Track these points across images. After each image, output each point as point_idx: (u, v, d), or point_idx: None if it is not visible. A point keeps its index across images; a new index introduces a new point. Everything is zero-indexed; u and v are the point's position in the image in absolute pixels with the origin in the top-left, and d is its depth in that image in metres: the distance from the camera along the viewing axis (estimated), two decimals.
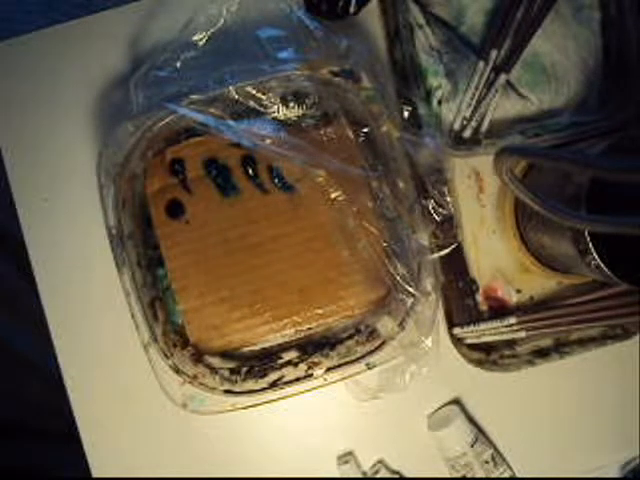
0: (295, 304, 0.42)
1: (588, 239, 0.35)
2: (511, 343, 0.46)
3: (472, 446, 0.44)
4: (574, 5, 0.46)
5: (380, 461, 0.47)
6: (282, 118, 0.41)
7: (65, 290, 0.45)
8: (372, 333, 0.41)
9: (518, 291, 0.47)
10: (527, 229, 0.45)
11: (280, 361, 0.42)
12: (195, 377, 0.39)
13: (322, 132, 0.41)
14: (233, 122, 0.38)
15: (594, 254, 0.35)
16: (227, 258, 0.41)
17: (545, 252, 0.45)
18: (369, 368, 0.39)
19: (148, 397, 0.45)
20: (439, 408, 0.47)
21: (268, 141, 0.38)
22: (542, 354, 0.45)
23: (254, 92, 0.39)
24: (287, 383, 0.39)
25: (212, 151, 0.42)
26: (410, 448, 0.47)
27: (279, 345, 0.43)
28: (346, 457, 0.46)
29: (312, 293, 0.42)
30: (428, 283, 0.39)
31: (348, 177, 0.40)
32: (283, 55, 0.40)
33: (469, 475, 0.44)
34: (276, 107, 0.40)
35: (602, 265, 0.35)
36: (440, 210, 0.41)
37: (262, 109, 0.40)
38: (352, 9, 0.43)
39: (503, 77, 0.44)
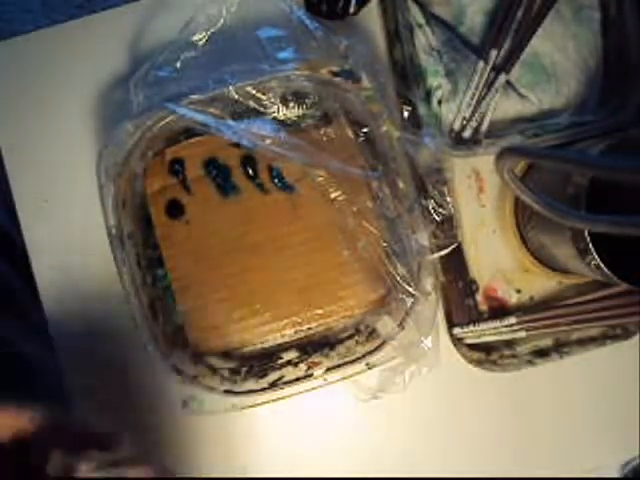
0: (295, 304, 0.42)
1: (588, 239, 0.35)
2: (511, 343, 0.46)
3: None
4: (574, 5, 0.46)
5: None
6: (282, 118, 0.41)
7: (65, 290, 0.45)
8: (372, 333, 0.41)
9: (518, 291, 0.47)
10: (527, 229, 0.45)
11: (280, 361, 0.42)
12: (195, 377, 0.39)
13: (322, 132, 0.41)
14: (233, 122, 0.38)
15: (594, 254, 0.35)
16: (227, 258, 0.41)
17: (545, 252, 0.45)
18: (369, 368, 0.39)
19: (148, 397, 0.45)
20: None
21: (268, 141, 0.38)
22: (542, 354, 0.45)
23: (254, 92, 0.39)
24: (287, 383, 0.39)
25: (212, 151, 0.42)
26: (409, 448, 0.47)
27: (279, 345, 0.43)
28: None
29: (312, 293, 0.42)
30: (428, 283, 0.39)
31: (348, 177, 0.40)
32: (283, 55, 0.40)
33: None
34: (276, 107, 0.40)
35: (602, 265, 0.35)
36: (440, 210, 0.41)
37: (262, 109, 0.40)
38: (352, 9, 0.43)
39: (503, 77, 0.44)
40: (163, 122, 0.39)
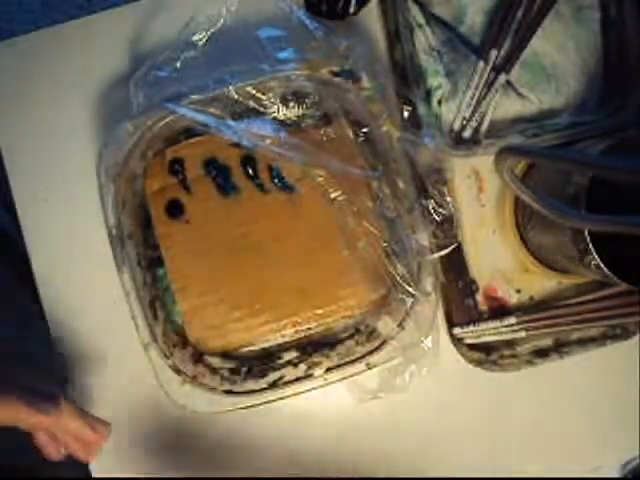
0: (295, 304, 0.42)
1: (588, 239, 0.35)
2: (511, 343, 0.46)
3: None
4: (574, 5, 0.46)
5: None
6: (282, 118, 0.41)
7: (65, 290, 0.45)
8: (372, 333, 0.41)
9: (518, 291, 0.47)
10: (527, 229, 0.45)
11: (280, 361, 0.42)
12: (195, 377, 0.39)
13: (322, 132, 0.41)
14: (233, 122, 0.38)
15: (594, 254, 0.35)
16: (227, 258, 0.42)
17: (545, 252, 0.45)
18: (369, 368, 0.39)
19: (148, 397, 0.45)
20: None
21: (268, 141, 0.38)
22: (542, 354, 0.45)
23: (254, 92, 0.39)
24: (287, 383, 0.39)
25: (212, 151, 0.42)
26: (409, 448, 0.47)
27: (279, 345, 0.43)
28: None
29: (312, 293, 0.42)
30: (428, 283, 0.39)
31: (348, 177, 0.40)
32: (283, 55, 0.40)
33: None
34: (276, 107, 0.40)
35: (602, 265, 0.35)
36: (440, 210, 0.41)
37: (262, 109, 0.40)
38: (352, 9, 0.43)
39: (503, 77, 0.44)
40: (163, 122, 0.39)
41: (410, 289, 0.39)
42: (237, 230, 0.42)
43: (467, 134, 0.45)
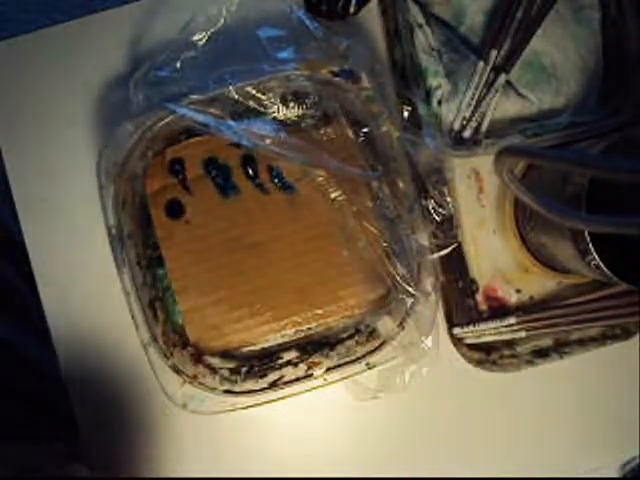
0: (295, 304, 0.42)
1: (588, 239, 0.35)
2: (511, 343, 0.46)
3: None
4: (574, 5, 0.46)
5: None
6: (282, 118, 0.41)
7: (65, 290, 0.45)
8: (372, 333, 0.41)
9: (518, 291, 0.47)
10: (527, 229, 0.45)
11: (280, 361, 0.42)
12: (195, 377, 0.39)
13: (322, 132, 0.41)
14: (233, 122, 0.38)
15: (594, 254, 0.35)
16: (227, 258, 0.42)
17: (545, 252, 0.45)
18: (369, 368, 0.39)
19: (148, 397, 0.45)
20: None
21: (268, 141, 0.38)
22: (542, 354, 0.45)
23: (254, 92, 0.39)
24: (287, 383, 0.39)
25: (212, 151, 0.42)
26: (409, 448, 0.47)
27: (279, 345, 0.43)
28: None
29: (312, 293, 0.42)
30: (428, 283, 0.39)
31: (348, 177, 0.40)
32: (283, 55, 0.40)
33: None
34: (276, 107, 0.40)
35: (602, 265, 0.35)
36: (440, 210, 0.41)
37: (262, 109, 0.40)
38: (352, 9, 0.43)
39: (503, 77, 0.44)
40: (163, 122, 0.39)
41: (410, 289, 0.39)
42: (237, 230, 0.42)
43: (467, 134, 0.45)
